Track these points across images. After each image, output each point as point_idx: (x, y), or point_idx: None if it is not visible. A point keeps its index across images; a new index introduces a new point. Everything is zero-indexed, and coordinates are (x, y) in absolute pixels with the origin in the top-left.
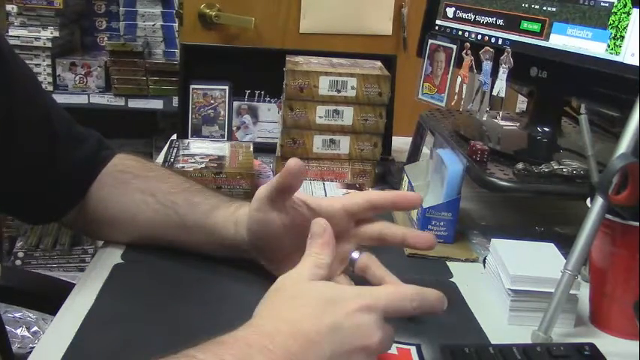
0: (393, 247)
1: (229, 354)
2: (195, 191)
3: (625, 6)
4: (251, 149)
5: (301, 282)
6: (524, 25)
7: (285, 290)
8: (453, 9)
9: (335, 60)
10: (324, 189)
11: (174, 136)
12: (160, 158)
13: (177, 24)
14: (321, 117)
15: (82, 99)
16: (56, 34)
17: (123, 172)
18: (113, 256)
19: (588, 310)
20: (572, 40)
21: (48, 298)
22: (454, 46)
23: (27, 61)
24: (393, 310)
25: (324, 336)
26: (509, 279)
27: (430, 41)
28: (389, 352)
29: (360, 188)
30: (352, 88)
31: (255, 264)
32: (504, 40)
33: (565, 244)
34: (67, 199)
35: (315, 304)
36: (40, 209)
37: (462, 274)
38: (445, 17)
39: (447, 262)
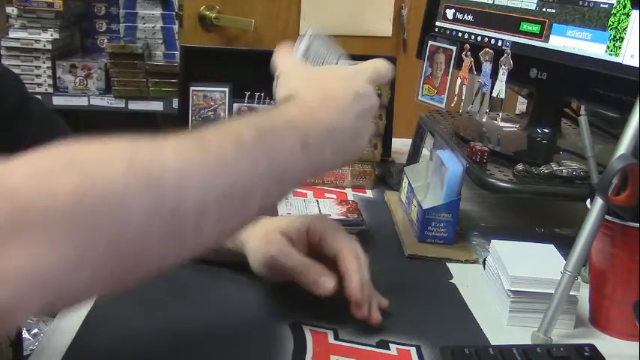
0: (392, 248)
1: (291, 104)
2: None
3: (624, 7)
4: None
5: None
6: (524, 26)
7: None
8: (453, 10)
9: None
10: (318, 206)
11: None
12: None
13: (177, 26)
14: None
15: (82, 101)
16: (56, 36)
17: None
18: None
19: (588, 311)
20: (571, 41)
21: None
22: (454, 48)
23: (27, 63)
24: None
25: (352, 101)
26: (509, 280)
27: (430, 43)
28: (389, 352)
29: (354, 207)
30: None
31: None
32: (504, 41)
33: (565, 245)
34: None
35: (337, 80)
36: None
37: (461, 275)
38: (445, 19)
39: (447, 264)
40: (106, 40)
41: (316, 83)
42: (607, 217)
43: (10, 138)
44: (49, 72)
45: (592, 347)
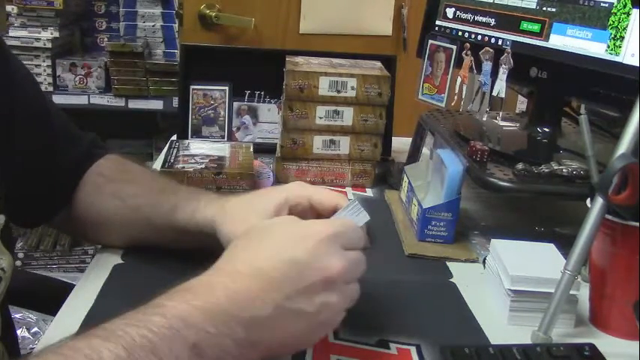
0: (392, 247)
1: (194, 297)
2: (158, 191)
3: (625, 6)
4: (251, 150)
5: (269, 225)
6: (524, 25)
7: (251, 235)
8: (453, 9)
9: (335, 60)
10: None
11: (174, 137)
12: (160, 159)
13: (177, 24)
14: (321, 117)
15: (82, 100)
16: (56, 34)
17: (99, 176)
18: (113, 257)
19: (588, 310)
20: (572, 40)
21: (48, 299)
22: (454, 47)
23: (27, 62)
24: (349, 237)
25: (282, 272)
26: (509, 279)
27: (430, 42)
28: (389, 352)
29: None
30: (352, 88)
31: None
32: (504, 40)
33: (565, 245)
34: (56, 200)
35: (276, 243)
36: (32, 211)
37: (461, 274)
38: (445, 18)
39: (447, 263)
40: (106, 39)
41: (251, 242)
42: (607, 216)
43: (34, 137)
44: (49, 70)
45: (592, 346)
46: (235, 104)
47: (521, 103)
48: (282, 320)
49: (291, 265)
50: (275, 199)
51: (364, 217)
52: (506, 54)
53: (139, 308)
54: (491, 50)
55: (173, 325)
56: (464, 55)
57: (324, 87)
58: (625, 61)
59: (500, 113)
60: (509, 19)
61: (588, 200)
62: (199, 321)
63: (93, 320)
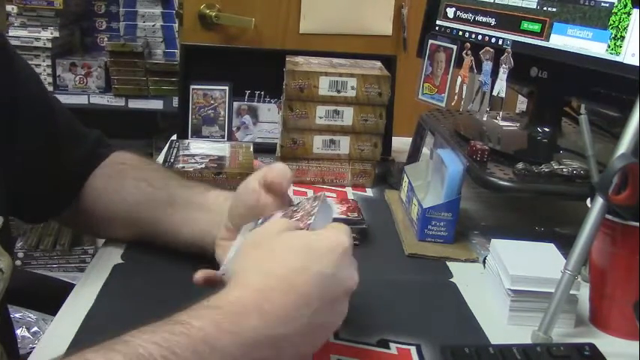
0: (393, 247)
1: (225, 318)
2: (188, 180)
3: (625, 6)
4: (251, 149)
5: (275, 234)
6: (525, 25)
7: (262, 244)
8: (454, 9)
9: (335, 60)
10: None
11: (174, 137)
12: (160, 158)
13: (177, 24)
14: (321, 117)
15: (82, 99)
16: (56, 34)
17: (121, 164)
18: (113, 257)
19: (588, 310)
20: (572, 40)
21: (48, 299)
22: (454, 47)
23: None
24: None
25: (312, 287)
26: (509, 279)
27: (430, 41)
28: (389, 352)
29: (354, 205)
30: (352, 88)
31: None
32: (504, 40)
33: (565, 245)
34: (64, 196)
35: (299, 256)
36: (39, 207)
37: (461, 274)
38: (445, 17)
39: (447, 262)
40: (106, 39)
41: (263, 264)
42: (607, 216)
43: (39, 136)
44: (49, 70)
45: (592, 346)
46: (235, 104)
47: (521, 103)
48: (309, 334)
49: (320, 278)
50: (250, 184)
51: (333, 211)
52: (506, 54)
53: (165, 322)
54: (491, 50)
55: (198, 349)
56: (464, 55)
57: (324, 87)
58: (625, 61)
59: (501, 113)
60: (509, 19)
61: (588, 200)
62: (226, 345)
63: (93, 320)
